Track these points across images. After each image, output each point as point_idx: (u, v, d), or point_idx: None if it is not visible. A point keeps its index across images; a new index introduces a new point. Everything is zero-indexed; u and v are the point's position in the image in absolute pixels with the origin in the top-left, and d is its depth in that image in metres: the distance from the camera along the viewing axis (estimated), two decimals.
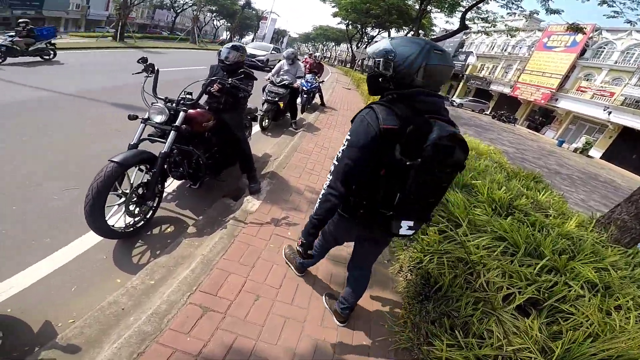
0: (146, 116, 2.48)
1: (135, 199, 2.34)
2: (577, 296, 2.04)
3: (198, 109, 2.75)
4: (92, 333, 1.65)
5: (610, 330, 1.83)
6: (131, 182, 2.30)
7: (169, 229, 2.67)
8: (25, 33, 8.29)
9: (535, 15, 14.11)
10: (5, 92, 5.15)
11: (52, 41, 8.85)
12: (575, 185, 10.72)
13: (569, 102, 25.97)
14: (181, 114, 2.49)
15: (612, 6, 9.78)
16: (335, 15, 32.16)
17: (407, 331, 2.01)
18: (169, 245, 2.43)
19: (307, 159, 4.59)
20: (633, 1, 9.51)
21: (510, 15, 14.35)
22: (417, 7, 17.36)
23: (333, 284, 2.34)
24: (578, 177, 12.59)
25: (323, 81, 8.60)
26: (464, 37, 39.56)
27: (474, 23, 16.33)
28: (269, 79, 6.02)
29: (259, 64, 15.69)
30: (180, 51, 19.23)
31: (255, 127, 5.40)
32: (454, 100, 34.52)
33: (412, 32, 18.36)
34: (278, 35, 60.95)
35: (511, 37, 23.32)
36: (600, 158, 23.09)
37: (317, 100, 9.02)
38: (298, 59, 6.58)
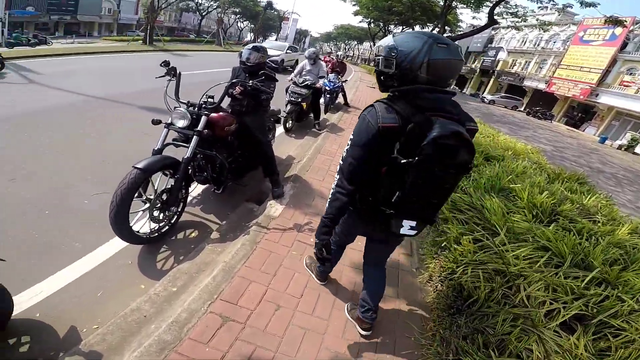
0: (169, 121, 2.48)
1: (159, 204, 2.34)
2: (631, 310, 1.82)
3: (220, 113, 2.72)
4: (114, 340, 1.65)
5: None
6: (155, 187, 2.31)
7: (192, 234, 2.67)
8: None
9: (568, 8, 13.24)
10: (39, 98, 5.43)
11: None
12: (621, 185, 9.96)
13: (611, 97, 24.32)
14: (203, 118, 2.48)
15: None
16: (356, 13, 31.72)
17: (436, 345, 1.87)
18: (192, 250, 2.42)
19: (330, 160, 4.50)
20: None
21: (542, 9, 13.54)
22: (442, 3, 16.77)
23: (356, 293, 2.23)
24: (624, 176, 11.68)
25: (346, 80, 8.48)
26: (493, 32, 38.42)
27: (503, 18, 15.70)
28: (291, 79, 5.98)
29: (272, 64, 14.12)
30: (207, 53, 19.73)
31: (279, 129, 5.37)
32: (485, 97, 33.52)
33: (437, 29, 17.79)
34: (300, 36, 61.28)
35: (544, 31, 22.13)
36: None
37: (340, 99, 8.90)
38: (320, 59, 6.49)
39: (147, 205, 2.26)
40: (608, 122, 25.16)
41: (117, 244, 2.30)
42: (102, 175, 3.17)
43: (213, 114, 2.60)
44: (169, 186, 2.38)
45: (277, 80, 3.11)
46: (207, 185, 3.11)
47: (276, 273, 2.21)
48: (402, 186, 1.21)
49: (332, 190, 1.42)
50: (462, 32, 21.72)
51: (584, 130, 26.90)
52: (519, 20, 15.60)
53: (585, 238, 2.36)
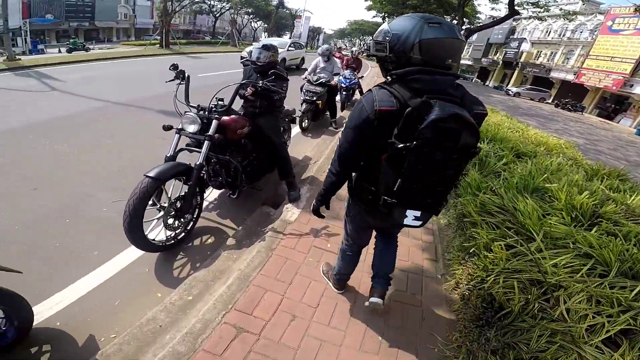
0: (180, 126, 2.44)
1: (173, 212, 2.31)
2: None
3: (232, 116, 2.65)
4: (129, 350, 1.63)
5: None
6: (169, 195, 2.28)
7: (209, 240, 2.63)
8: None
9: None
10: (60, 105, 5.60)
11: None
12: None
13: None
14: (214, 122, 2.42)
15: None
16: (369, 8, 31.13)
17: (461, 358, 1.75)
18: (209, 257, 2.38)
19: None
20: None
21: None
22: None
23: None
24: None
25: (362, 76, 8.25)
26: (514, 23, 37.34)
27: (524, 8, 15.06)
28: (305, 77, 5.88)
29: None
30: (222, 55, 19.91)
31: (295, 129, 5.29)
32: (510, 89, 32.65)
33: (454, 21, 17.21)
34: (313, 33, 61.08)
35: (569, 21, 21.01)
36: None
37: (357, 96, 8.72)
38: (334, 55, 6.35)
39: (162, 213, 2.24)
40: None
41: (134, 251, 2.29)
42: (120, 182, 3.19)
43: (224, 117, 2.54)
44: (183, 193, 2.34)
45: (288, 79, 3.01)
46: (223, 189, 3.06)
47: (292, 281, 2.13)
48: (402, 173, 1.18)
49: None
50: (480, 24, 20.95)
51: (618, 122, 25.60)
52: (541, 10, 15.04)
53: (634, 243, 2.13)
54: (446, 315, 2.10)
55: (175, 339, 1.64)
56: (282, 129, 3.67)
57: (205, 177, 2.71)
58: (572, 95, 29.45)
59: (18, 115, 4.87)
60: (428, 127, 1.06)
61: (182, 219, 2.39)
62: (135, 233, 2.01)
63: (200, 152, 2.39)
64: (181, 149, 2.51)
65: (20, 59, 10.67)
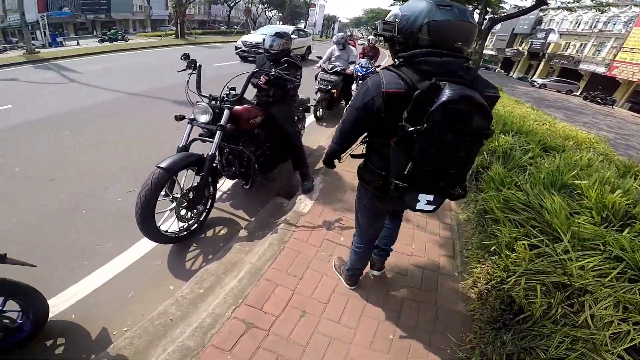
0: (192, 116, 2.40)
1: (185, 203, 2.29)
2: None
3: (245, 105, 2.59)
4: (140, 344, 1.63)
5: None
6: (181, 186, 2.25)
7: (221, 231, 2.61)
8: None
9: None
10: (78, 97, 5.69)
11: None
12: None
13: None
14: (225, 112, 2.36)
15: None
16: None
17: None
18: (221, 249, 2.37)
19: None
20: None
21: None
22: None
23: (389, 300, 2.05)
24: None
25: (380, 65, 8.02)
26: (541, 14, 36.49)
27: None
28: (320, 66, 5.74)
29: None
30: None
31: (310, 118, 5.21)
32: (535, 81, 32.21)
33: (477, 10, 16.43)
34: (328, 22, 60.10)
35: (601, 13, 19.77)
36: None
37: None
38: (349, 43, 6.16)
39: (174, 204, 2.22)
40: None
41: (147, 243, 2.29)
42: (136, 172, 3.20)
43: (237, 107, 2.48)
44: (196, 184, 2.31)
45: (301, 67, 2.92)
46: (236, 180, 3.03)
47: (303, 276, 2.08)
48: (413, 156, 1.16)
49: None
50: (505, 13, 19.97)
51: None
52: (571, 1, 14.33)
53: None
54: (461, 315, 2.03)
55: (185, 333, 1.63)
56: (296, 118, 3.59)
57: (218, 167, 2.68)
58: (602, 88, 28.70)
59: (37, 107, 4.99)
60: (438, 109, 1.04)
61: (194, 210, 2.37)
62: (147, 225, 2.00)
63: (212, 143, 2.35)
64: (194, 139, 2.48)
65: (39, 52, 10.96)
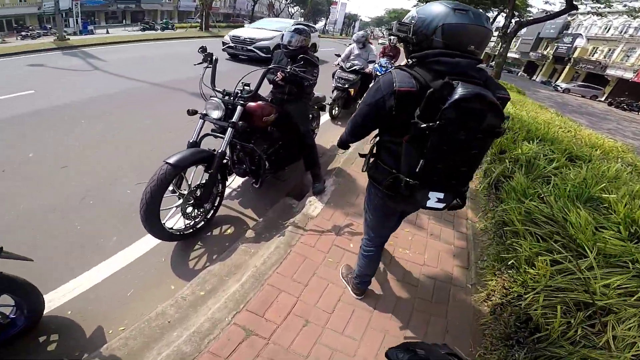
0: (204, 111, 2.33)
1: (192, 200, 2.22)
2: None
3: (259, 102, 2.51)
4: (135, 346, 1.58)
5: None
6: (189, 182, 2.19)
7: (228, 230, 2.55)
8: None
9: None
10: (100, 85, 5.76)
11: None
12: None
13: None
14: (238, 108, 2.29)
15: None
16: None
17: None
18: (226, 249, 2.30)
19: None
20: None
21: None
22: None
23: (397, 311, 1.95)
24: None
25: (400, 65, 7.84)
26: (569, 18, 35.90)
27: (582, 3, 13.83)
28: (338, 64, 5.63)
29: (261, 54, 9.37)
30: None
31: (324, 116, 5.10)
32: (559, 85, 32.27)
33: (503, 14, 15.98)
34: (349, 20, 59.72)
35: (632, 18, 18.95)
36: None
37: None
38: (370, 42, 6.02)
39: (180, 201, 2.16)
40: None
41: (152, 239, 2.24)
42: (149, 164, 3.15)
43: (250, 103, 2.41)
44: (204, 181, 2.25)
45: (318, 65, 2.82)
46: (247, 177, 2.97)
47: (308, 282, 2.00)
48: (425, 154, 1.17)
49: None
50: (531, 17, 19.35)
51: None
52: (602, 5, 13.71)
53: None
54: (472, 328, 1.94)
55: (182, 337, 1.57)
56: (310, 116, 3.50)
57: (228, 164, 2.62)
58: (629, 94, 28.42)
59: (59, 94, 5.06)
60: (451, 106, 1.05)
61: (201, 209, 2.31)
62: (151, 221, 1.95)
63: (223, 139, 2.28)
64: (206, 134, 2.42)
65: (69, 39, 11.23)
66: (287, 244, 2.24)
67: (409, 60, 1.27)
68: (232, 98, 2.37)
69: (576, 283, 1.74)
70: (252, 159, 2.65)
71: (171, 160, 1.95)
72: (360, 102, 1.33)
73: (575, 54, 35.50)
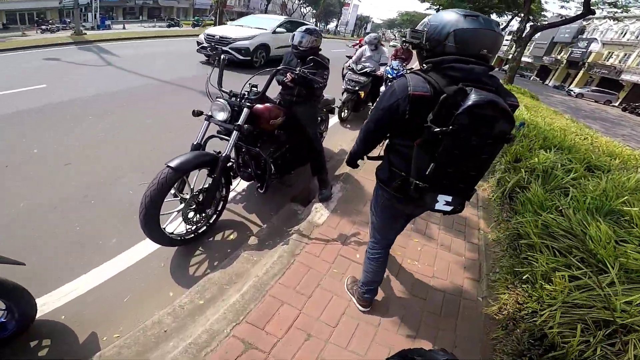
0: (209, 112, 2.27)
1: (194, 205, 2.15)
2: None
3: (266, 104, 2.44)
4: (129, 355, 1.51)
5: None
6: (192, 187, 2.12)
7: (231, 236, 2.48)
8: None
9: None
10: (110, 81, 5.78)
11: None
12: None
13: None
14: (244, 110, 2.21)
15: None
16: (423, 0, 29.50)
17: None
18: (228, 255, 2.23)
19: None
20: None
21: None
22: None
23: (404, 327, 1.85)
24: None
25: (412, 68, 7.72)
26: (584, 23, 35.97)
27: (599, 8, 13.86)
28: (349, 66, 5.55)
29: (238, 56, 7.90)
30: None
31: (333, 119, 5.02)
32: (572, 90, 32.00)
33: (518, 18, 15.78)
34: (361, 22, 59.64)
35: None
36: None
37: None
38: (382, 44, 5.92)
39: (182, 205, 2.09)
40: None
41: (152, 243, 2.16)
42: (152, 166, 3.11)
43: (257, 106, 2.33)
44: (207, 185, 2.18)
45: (328, 67, 2.73)
46: (252, 181, 2.90)
47: (312, 294, 1.91)
48: (436, 158, 1.19)
49: None
50: (546, 22, 19.08)
51: None
52: (619, 10, 13.79)
53: None
54: (482, 344, 1.85)
55: (178, 348, 1.51)
56: (319, 119, 3.42)
57: (234, 166, 2.55)
58: None
59: (69, 88, 5.10)
60: (464, 112, 1.07)
61: (203, 214, 2.24)
62: (150, 226, 1.88)
63: (228, 142, 2.21)
64: (211, 136, 2.35)
65: (85, 34, 11.40)
66: (291, 253, 2.16)
67: (423, 65, 1.29)
68: (238, 99, 2.30)
69: (595, 299, 1.66)
70: (257, 162, 2.57)
71: (173, 164, 1.88)
72: (371, 108, 1.30)
73: (590, 59, 35.12)
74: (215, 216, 2.38)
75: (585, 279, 1.77)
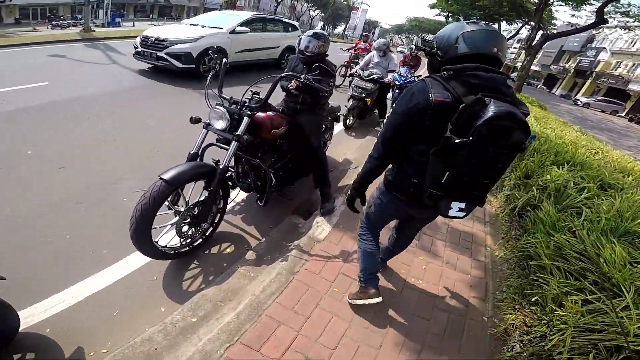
0: (208, 120, 2.18)
1: (189, 220, 2.05)
2: None
3: (268, 113, 2.35)
4: None
5: None
6: (187, 199, 2.03)
7: (228, 249, 2.39)
8: None
9: None
10: (113, 80, 5.75)
11: None
12: None
13: None
14: (245, 119, 2.11)
15: None
16: (432, 6, 29.30)
17: None
18: (224, 270, 2.15)
19: None
20: None
21: None
22: None
23: (406, 349, 1.76)
24: None
25: (420, 75, 7.62)
26: (594, 32, 35.68)
27: (610, 17, 13.76)
28: (356, 71, 5.46)
29: (176, 63, 6.26)
30: None
31: (338, 126, 4.93)
32: (579, 99, 32.02)
33: (528, 27, 15.74)
34: (369, 26, 59.91)
35: None
36: None
37: None
38: (391, 51, 5.83)
39: (176, 218, 1.99)
40: None
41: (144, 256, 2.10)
42: (150, 170, 3.03)
43: (259, 114, 2.24)
44: (203, 198, 2.08)
45: (334, 75, 2.64)
46: (251, 192, 2.80)
47: (310, 315, 1.82)
48: (452, 166, 1.20)
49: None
50: (556, 31, 18.96)
51: None
52: (631, 20, 13.59)
53: None
54: None
55: None
56: (323, 127, 3.32)
57: (233, 176, 2.46)
58: None
59: (70, 87, 5.06)
60: (485, 124, 1.09)
61: (198, 227, 2.14)
62: (141, 241, 1.79)
63: (227, 151, 2.12)
64: (210, 144, 2.27)
65: (94, 31, 11.44)
66: (290, 270, 2.07)
67: (443, 72, 1.26)
68: (239, 107, 2.20)
69: (608, 324, 1.58)
70: (257, 173, 2.47)
71: (166, 176, 1.78)
72: (386, 118, 1.27)
73: (598, 68, 35.07)
74: (211, 229, 2.29)
75: (598, 303, 1.69)
